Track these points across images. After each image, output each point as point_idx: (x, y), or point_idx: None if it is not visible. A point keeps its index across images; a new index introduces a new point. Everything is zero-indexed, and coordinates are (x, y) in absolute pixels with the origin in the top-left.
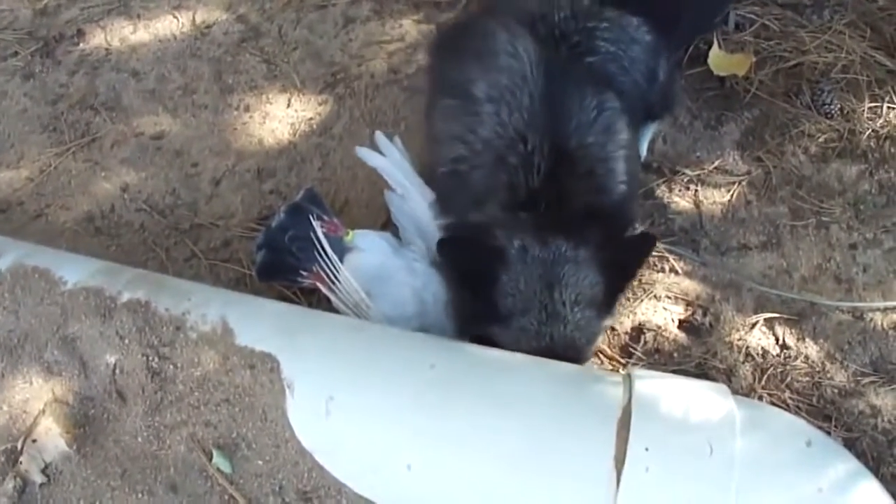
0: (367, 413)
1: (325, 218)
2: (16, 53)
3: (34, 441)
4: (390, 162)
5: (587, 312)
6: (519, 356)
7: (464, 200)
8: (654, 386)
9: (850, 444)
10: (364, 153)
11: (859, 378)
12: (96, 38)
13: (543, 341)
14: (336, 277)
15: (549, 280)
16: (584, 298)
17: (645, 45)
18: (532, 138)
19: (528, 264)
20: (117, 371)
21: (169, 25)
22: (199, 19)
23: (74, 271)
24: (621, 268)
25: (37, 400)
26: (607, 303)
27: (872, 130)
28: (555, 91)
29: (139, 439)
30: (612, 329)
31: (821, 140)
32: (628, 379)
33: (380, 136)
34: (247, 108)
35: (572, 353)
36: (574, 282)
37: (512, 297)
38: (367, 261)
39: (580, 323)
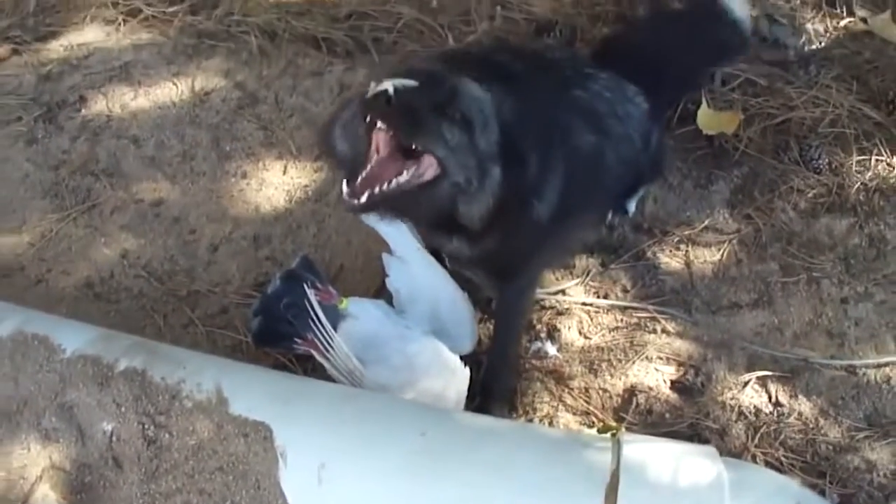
0: (359, 481)
1: (320, 286)
2: (19, 118)
3: None
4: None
5: None
6: (507, 422)
7: None
8: (643, 450)
9: (846, 501)
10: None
11: (854, 433)
12: (98, 105)
13: None
14: (330, 345)
15: None
16: None
17: (641, 112)
18: None
19: None
20: (114, 439)
21: (168, 92)
22: (197, 86)
23: (73, 338)
24: None
25: (34, 466)
26: None
27: (861, 183)
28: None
29: None
30: (605, 391)
31: (810, 195)
32: (617, 443)
33: None
34: (244, 175)
35: None
36: None
37: None
38: (360, 328)
39: None
